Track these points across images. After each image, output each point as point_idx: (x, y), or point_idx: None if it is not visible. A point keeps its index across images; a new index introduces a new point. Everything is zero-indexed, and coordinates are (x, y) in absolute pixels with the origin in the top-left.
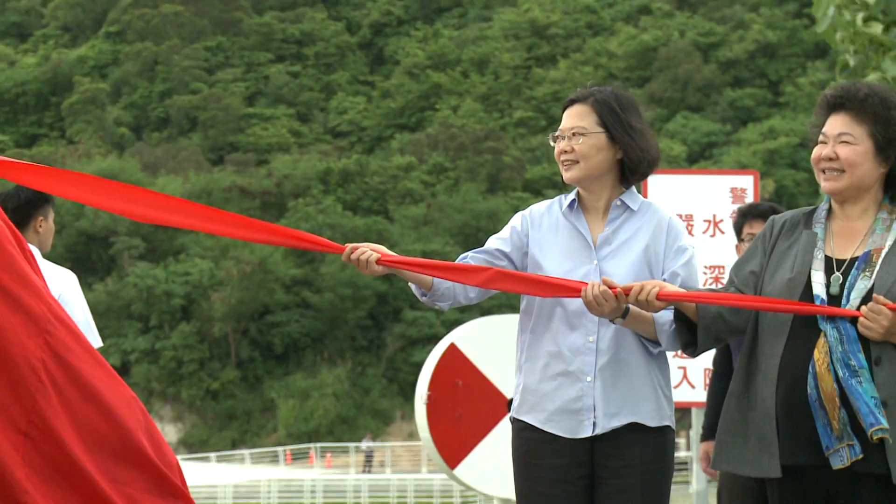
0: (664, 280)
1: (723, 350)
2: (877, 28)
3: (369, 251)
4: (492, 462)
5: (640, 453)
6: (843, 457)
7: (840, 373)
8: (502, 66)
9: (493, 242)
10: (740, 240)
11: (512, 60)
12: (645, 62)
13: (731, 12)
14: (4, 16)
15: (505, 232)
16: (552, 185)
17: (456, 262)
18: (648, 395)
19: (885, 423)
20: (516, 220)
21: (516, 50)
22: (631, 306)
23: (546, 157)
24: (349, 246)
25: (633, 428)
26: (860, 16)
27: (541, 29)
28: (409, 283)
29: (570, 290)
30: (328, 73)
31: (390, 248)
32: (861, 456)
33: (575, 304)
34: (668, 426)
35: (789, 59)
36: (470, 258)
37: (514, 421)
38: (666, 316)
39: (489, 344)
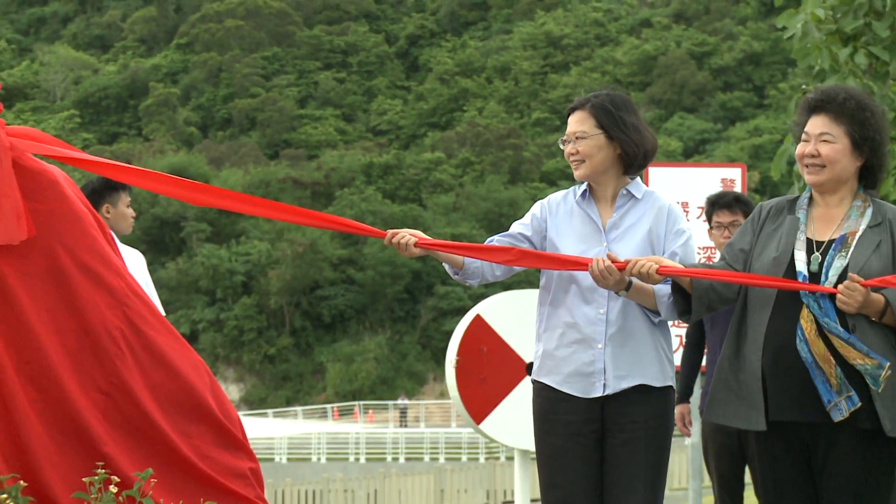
0: (665, 258)
1: (695, 324)
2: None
3: (408, 236)
4: (512, 418)
5: (646, 411)
6: (842, 409)
7: (832, 327)
8: (522, 72)
9: (515, 227)
10: (711, 227)
11: (530, 67)
12: (646, 69)
13: (722, 25)
14: (89, 30)
15: (526, 218)
16: (565, 177)
17: (483, 244)
18: (653, 359)
19: (886, 362)
20: (536, 208)
21: (534, 58)
22: (634, 280)
23: (560, 152)
24: (390, 232)
25: (640, 388)
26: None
27: (555, 40)
28: (443, 263)
29: (580, 264)
30: (369, 79)
31: (424, 231)
32: (860, 405)
33: (588, 280)
34: (670, 386)
35: (772, 66)
36: (496, 241)
37: (535, 382)
38: (664, 289)
39: (511, 315)
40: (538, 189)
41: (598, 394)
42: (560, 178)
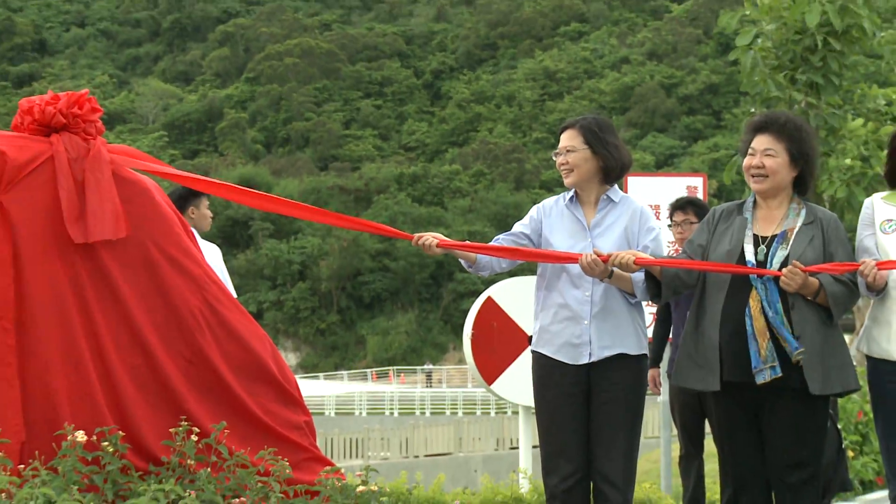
0: (639, 251)
1: (664, 304)
2: (780, 76)
3: (431, 238)
4: (517, 380)
5: (624, 375)
6: (764, 375)
7: (770, 314)
8: (524, 100)
9: (517, 227)
10: (669, 225)
11: (531, 96)
12: (625, 97)
13: (686, 62)
14: (175, 66)
15: (525, 219)
16: (559, 185)
17: (490, 243)
18: (630, 332)
19: (803, 348)
20: (533, 211)
21: (534, 88)
22: (615, 269)
23: (554, 164)
24: (416, 235)
25: (619, 357)
26: (768, 67)
27: (551, 74)
28: (460, 259)
29: (571, 259)
30: (401, 105)
31: (444, 230)
32: (780, 375)
33: (576, 269)
34: (644, 354)
35: (727, 94)
36: (501, 239)
37: (534, 352)
38: (640, 276)
39: (516, 297)
40: (538, 194)
41: (585, 361)
42: (555, 185)
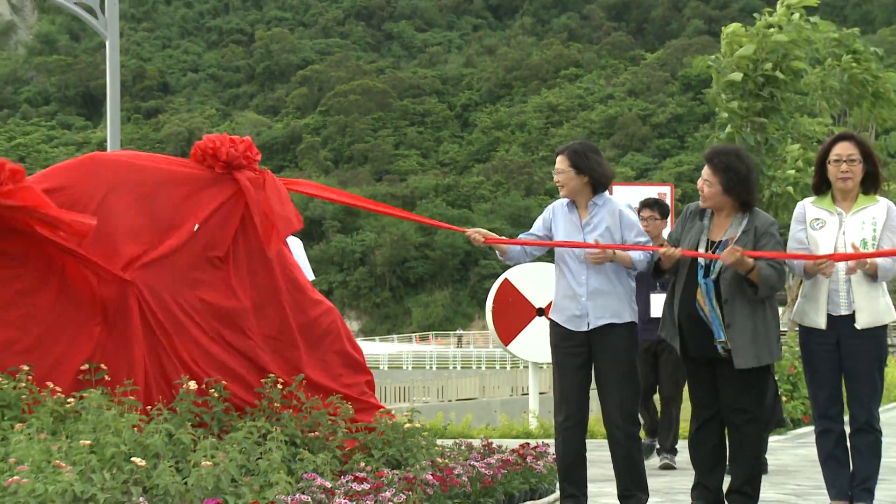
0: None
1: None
2: (736, 104)
3: (479, 235)
4: (527, 342)
5: (615, 338)
6: (719, 350)
7: (707, 309)
8: (532, 127)
9: (535, 225)
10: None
11: (538, 124)
12: (610, 125)
13: (657, 97)
14: (265, 102)
15: (539, 220)
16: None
17: (518, 238)
18: (618, 305)
19: (724, 339)
20: (545, 213)
21: (540, 118)
22: (617, 252)
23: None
24: (469, 230)
25: (611, 324)
26: (728, 98)
27: (553, 107)
28: (496, 251)
29: (579, 245)
30: (438, 131)
31: (471, 226)
32: (724, 352)
33: (574, 261)
34: (632, 321)
35: (689, 123)
36: (525, 235)
37: (550, 320)
38: (637, 255)
39: (526, 278)
40: (543, 199)
41: (585, 329)
42: (556, 193)
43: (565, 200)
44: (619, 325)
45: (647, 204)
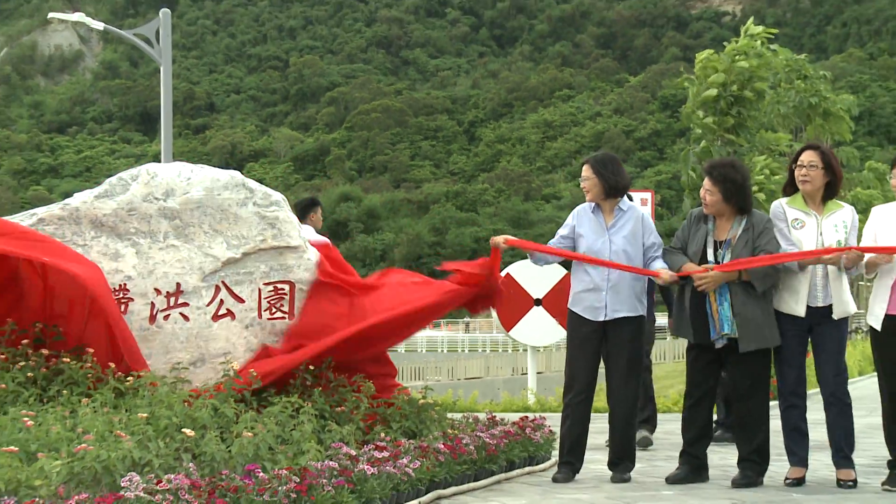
0: (646, 245)
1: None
2: (710, 120)
3: (501, 240)
4: (526, 329)
5: (627, 330)
6: (720, 342)
7: (719, 304)
8: (531, 141)
9: (561, 231)
10: None
11: (535, 138)
12: (598, 139)
13: (639, 115)
14: (298, 119)
15: (565, 225)
16: (555, 198)
17: (547, 244)
18: (632, 301)
19: (729, 332)
20: (570, 217)
21: (537, 133)
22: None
23: (552, 184)
24: (492, 238)
25: (625, 317)
26: (703, 114)
27: (549, 123)
28: (527, 252)
29: (650, 273)
30: (448, 145)
31: (477, 228)
32: (727, 342)
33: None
34: (642, 315)
35: (666, 137)
36: (553, 243)
37: (569, 310)
38: (658, 264)
39: (525, 273)
40: (539, 204)
41: (602, 319)
42: (551, 198)
43: (590, 204)
44: (633, 318)
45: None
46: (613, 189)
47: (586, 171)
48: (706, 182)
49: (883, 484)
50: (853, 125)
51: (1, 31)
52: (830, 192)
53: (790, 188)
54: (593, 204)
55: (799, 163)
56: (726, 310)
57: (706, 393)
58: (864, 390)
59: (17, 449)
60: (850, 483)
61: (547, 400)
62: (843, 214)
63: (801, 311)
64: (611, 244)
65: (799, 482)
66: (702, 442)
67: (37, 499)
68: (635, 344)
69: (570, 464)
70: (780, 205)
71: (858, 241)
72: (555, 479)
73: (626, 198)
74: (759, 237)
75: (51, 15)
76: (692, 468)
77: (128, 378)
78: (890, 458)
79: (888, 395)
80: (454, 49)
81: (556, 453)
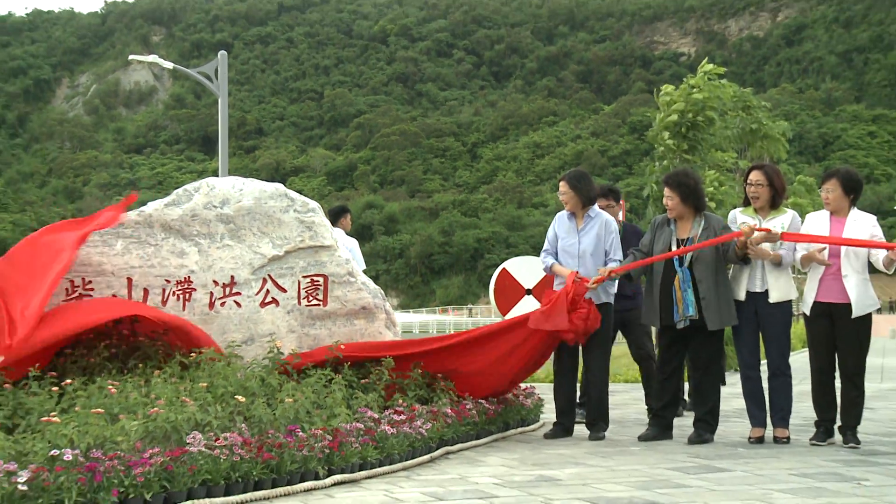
0: (607, 248)
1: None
2: (672, 142)
3: (605, 271)
4: (518, 314)
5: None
6: (682, 324)
7: (683, 290)
8: (523, 158)
9: (548, 242)
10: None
11: (527, 157)
12: (578, 157)
13: (612, 137)
14: (331, 140)
15: (550, 232)
16: (543, 205)
17: (542, 257)
18: (598, 292)
19: (692, 314)
20: (553, 224)
21: (528, 152)
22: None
23: (540, 195)
24: (600, 269)
25: (597, 305)
26: (667, 135)
27: (538, 144)
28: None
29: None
30: (454, 162)
31: (478, 230)
32: (688, 324)
33: (571, 257)
34: (608, 302)
35: (635, 155)
36: (548, 251)
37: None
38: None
39: (518, 267)
40: (529, 210)
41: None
42: (540, 206)
43: (567, 212)
44: (600, 306)
45: (603, 194)
46: (587, 199)
47: (563, 186)
48: (666, 190)
49: (811, 440)
50: (788, 146)
51: (91, 71)
52: (775, 203)
53: (747, 202)
54: (569, 212)
55: (748, 182)
56: (690, 295)
57: (675, 369)
58: (795, 364)
59: (102, 411)
60: (785, 440)
61: (535, 374)
62: (783, 218)
63: (741, 296)
64: (580, 244)
65: (759, 440)
66: (671, 408)
67: (119, 451)
68: (603, 325)
69: (563, 425)
70: (734, 214)
71: None
72: (546, 436)
73: (594, 206)
74: (720, 233)
75: (131, 57)
76: (661, 428)
77: (191, 354)
78: (816, 418)
79: (816, 368)
80: (459, 83)
81: (543, 417)
